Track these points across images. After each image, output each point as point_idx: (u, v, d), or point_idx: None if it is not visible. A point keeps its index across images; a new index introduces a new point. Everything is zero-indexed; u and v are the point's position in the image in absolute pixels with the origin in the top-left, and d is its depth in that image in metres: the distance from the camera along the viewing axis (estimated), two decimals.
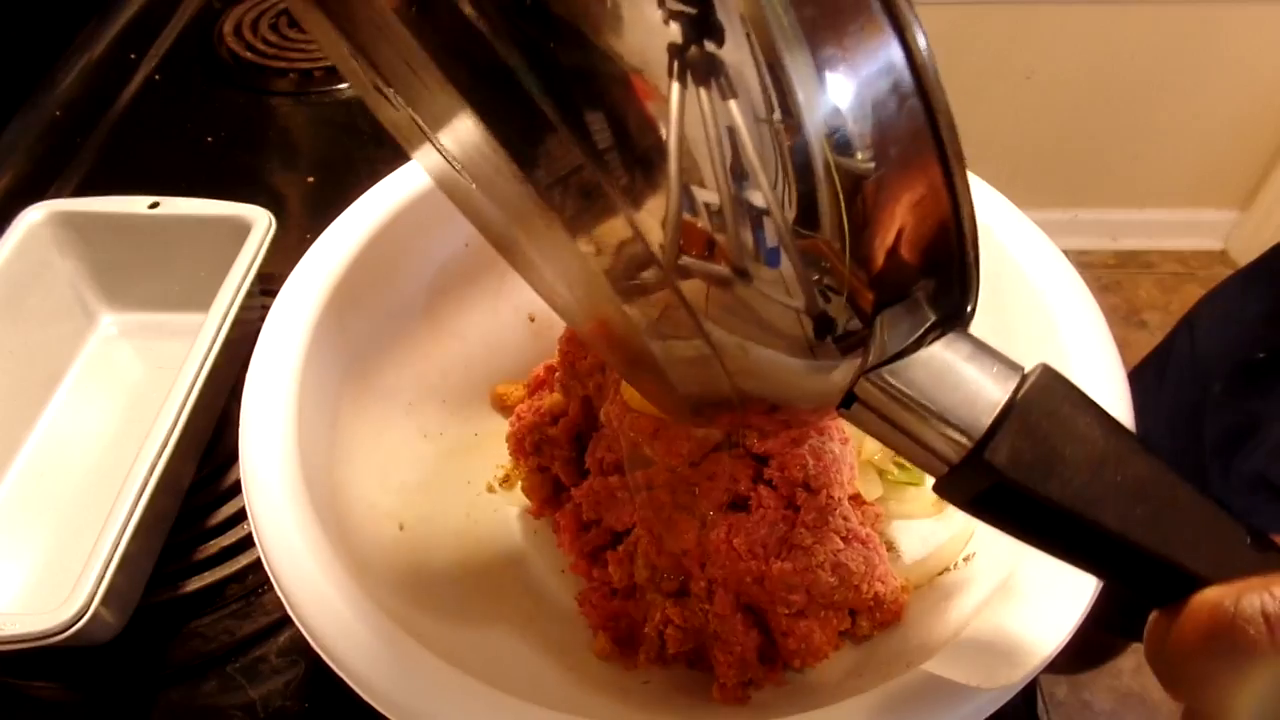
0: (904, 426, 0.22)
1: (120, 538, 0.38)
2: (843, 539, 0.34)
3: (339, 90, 0.73)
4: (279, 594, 0.31)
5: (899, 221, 0.20)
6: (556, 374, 0.44)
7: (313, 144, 0.69)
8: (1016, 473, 0.20)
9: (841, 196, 0.19)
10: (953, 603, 0.35)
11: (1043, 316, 0.37)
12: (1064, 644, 0.29)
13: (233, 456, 0.46)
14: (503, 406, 0.48)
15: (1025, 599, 0.30)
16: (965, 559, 0.37)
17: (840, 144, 0.19)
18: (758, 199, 0.19)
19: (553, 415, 0.43)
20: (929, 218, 0.20)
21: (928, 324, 0.22)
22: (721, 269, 0.20)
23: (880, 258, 0.20)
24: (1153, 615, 0.21)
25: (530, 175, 0.19)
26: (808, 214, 0.19)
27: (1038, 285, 0.38)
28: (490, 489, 0.45)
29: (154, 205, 0.50)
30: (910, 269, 0.21)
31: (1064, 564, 0.30)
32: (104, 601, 0.36)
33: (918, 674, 0.29)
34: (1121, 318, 1.60)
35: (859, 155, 0.19)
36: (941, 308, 0.22)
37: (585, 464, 0.42)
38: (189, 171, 0.66)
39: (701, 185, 0.19)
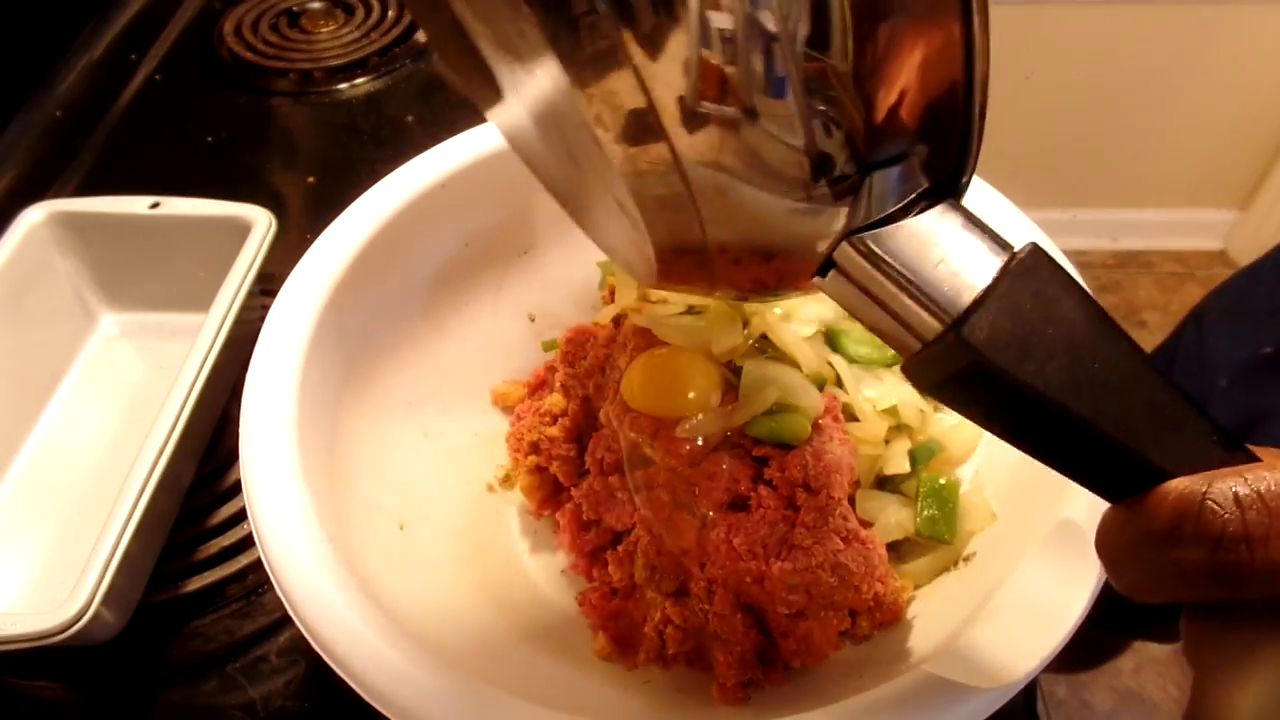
0: (881, 298, 0.21)
1: (120, 538, 0.38)
2: (843, 539, 0.34)
3: (339, 90, 0.73)
4: (279, 594, 0.31)
5: (906, 69, 0.19)
6: (556, 374, 0.44)
7: (313, 144, 0.69)
8: (994, 353, 0.19)
9: (850, 14, 0.18)
10: (953, 603, 0.35)
11: None
12: (1064, 644, 0.29)
13: (233, 456, 0.46)
14: (503, 406, 0.48)
15: (1025, 599, 0.30)
16: (965, 559, 0.37)
17: None
18: (769, 20, 0.18)
19: (553, 415, 0.43)
20: (938, 71, 0.19)
21: (918, 190, 0.21)
22: (728, 109, 0.19)
23: (882, 102, 0.19)
24: (1108, 509, 0.21)
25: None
26: (818, 31, 0.18)
27: None
28: (490, 489, 0.45)
29: (154, 205, 0.50)
30: (909, 126, 0.20)
31: (1064, 565, 0.30)
32: (104, 601, 0.36)
33: (918, 674, 0.29)
34: (1121, 318, 1.59)
35: None
36: (935, 175, 0.21)
37: (585, 464, 0.42)
38: (189, 171, 0.66)
39: (716, 7, 0.18)
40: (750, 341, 0.38)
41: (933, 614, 0.35)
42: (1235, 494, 0.18)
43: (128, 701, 0.41)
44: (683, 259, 0.24)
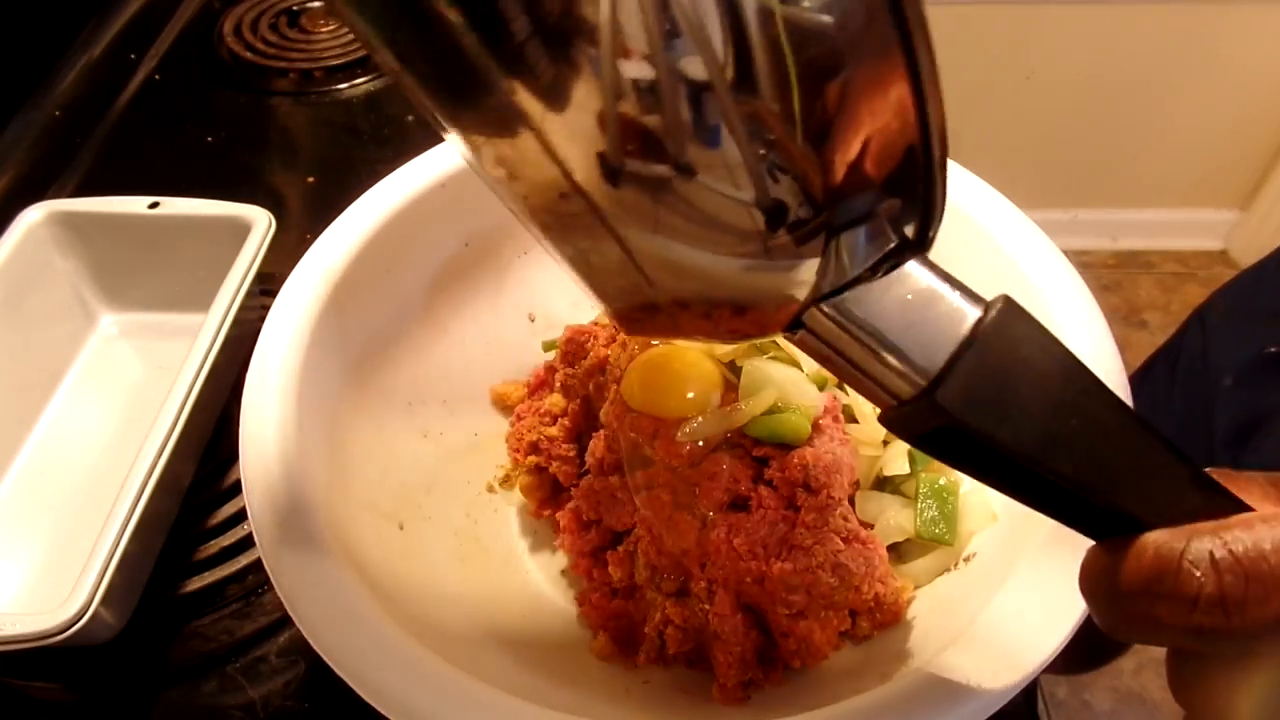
0: (853, 359, 0.21)
1: (120, 538, 0.38)
2: (843, 539, 0.34)
3: (339, 90, 0.73)
4: (279, 594, 0.31)
5: (860, 124, 0.18)
6: (556, 374, 0.44)
7: (313, 144, 0.69)
8: (969, 416, 0.19)
9: (791, 58, 0.17)
10: (953, 603, 0.35)
11: (1042, 317, 0.37)
12: (1064, 644, 0.29)
13: (233, 456, 0.46)
14: (503, 406, 0.48)
15: (1025, 599, 0.30)
16: (965, 559, 0.37)
17: None
18: (694, 67, 0.16)
19: (552, 415, 0.43)
20: (893, 125, 0.18)
21: (887, 249, 0.20)
22: (656, 166, 0.18)
23: (840, 160, 0.18)
24: (1091, 547, 0.21)
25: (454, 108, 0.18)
26: (748, 73, 0.17)
27: (1038, 285, 0.38)
28: (490, 489, 0.45)
29: (154, 205, 0.50)
30: (871, 182, 0.19)
31: (1065, 565, 0.30)
32: (104, 601, 0.36)
33: (918, 674, 0.29)
34: (1121, 318, 1.60)
35: (806, 3, 0.17)
36: (902, 231, 0.20)
37: (585, 464, 0.42)
38: (189, 171, 0.66)
39: (629, 57, 0.16)
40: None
41: (933, 614, 0.35)
42: (1212, 555, 0.18)
43: (128, 701, 0.41)
44: (646, 317, 0.23)
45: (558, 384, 0.44)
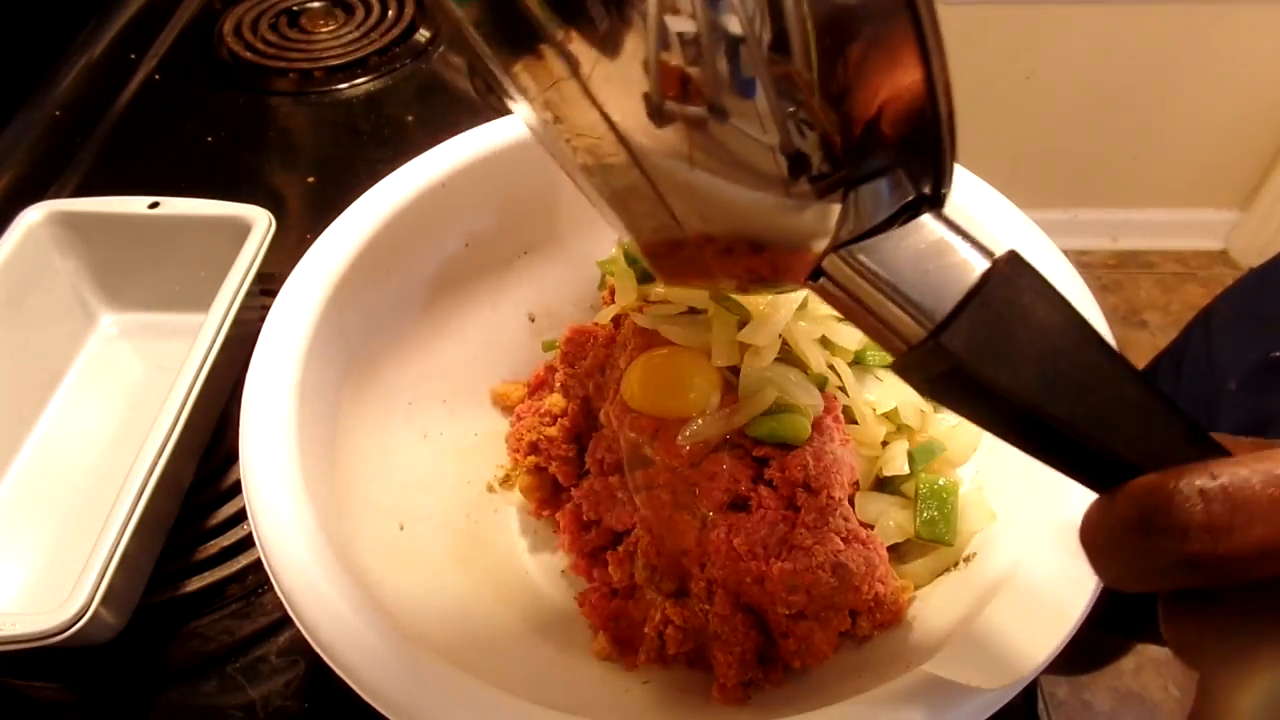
0: (868, 304, 0.22)
1: (120, 538, 0.38)
2: (843, 539, 0.34)
3: (339, 90, 0.73)
4: (279, 594, 0.31)
5: (873, 82, 0.20)
6: (556, 374, 0.44)
7: (313, 144, 0.69)
8: (971, 358, 0.20)
9: (811, 17, 0.19)
10: (953, 603, 0.35)
11: None
12: (1064, 644, 0.29)
13: (233, 456, 0.46)
14: (503, 406, 0.48)
15: (1025, 599, 0.30)
16: (965, 559, 0.37)
17: None
18: (733, 24, 0.19)
19: (552, 415, 0.43)
20: (903, 83, 0.20)
21: (904, 201, 0.22)
22: (694, 108, 0.20)
23: (857, 116, 0.20)
24: (1091, 501, 0.22)
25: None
26: (782, 35, 0.19)
27: None
28: (490, 489, 0.45)
29: (154, 205, 0.50)
30: (885, 139, 0.21)
31: (1064, 565, 0.30)
32: (104, 601, 0.36)
33: (918, 674, 0.29)
34: (1121, 318, 1.60)
35: None
36: (918, 186, 0.22)
37: (585, 464, 0.42)
38: (189, 171, 0.66)
39: (677, 12, 0.19)
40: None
41: (933, 614, 0.35)
42: (1201, 488, 0.19)
43: (128, 701, 0.41)
44: (673, 253, 0.25)
45: (558, 384, 0.44)
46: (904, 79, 0.20)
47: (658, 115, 0.21)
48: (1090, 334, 0.21)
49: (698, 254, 0.25)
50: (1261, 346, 0.61)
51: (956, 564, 0.37)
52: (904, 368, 0.22)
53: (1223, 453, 0.20)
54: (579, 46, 0.20)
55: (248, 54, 0.75)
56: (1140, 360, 0.76)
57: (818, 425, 0.37)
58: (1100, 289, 1.65)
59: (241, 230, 0.49)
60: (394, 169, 0.43)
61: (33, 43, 0.73)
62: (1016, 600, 0.30)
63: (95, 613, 0.36)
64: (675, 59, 0.19)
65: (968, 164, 0.42)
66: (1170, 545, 0.19)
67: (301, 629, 0.30)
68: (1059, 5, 1.38)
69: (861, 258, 0.22)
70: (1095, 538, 0.21)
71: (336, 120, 0.71)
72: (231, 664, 0.41)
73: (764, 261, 0.25)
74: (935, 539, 0.37)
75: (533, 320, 0.49)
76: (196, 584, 0.43)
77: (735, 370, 0.38)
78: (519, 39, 0.21)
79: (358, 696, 0.28)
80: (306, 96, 0.72)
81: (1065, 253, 0.39)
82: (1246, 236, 1.66)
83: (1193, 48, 1.42)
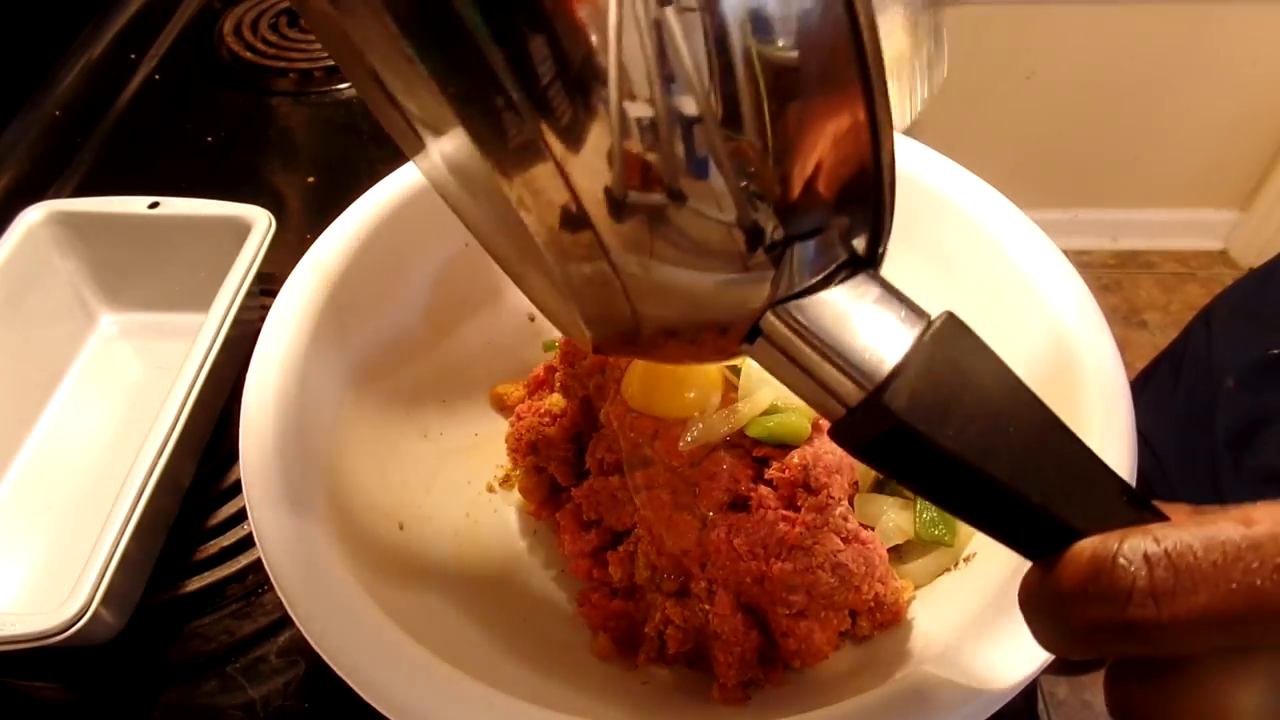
0: (806, 365, 0.22)
1: (120, 538, 0.38)
2: (843, 539, 0.34)
3: (339, 90, 0.73)
4: (279, 594, 0.31)
5: (817, 142, 0.20)
6: (556, 374, 0.44)
7: (313, 144, 0.69)
8: (914, 419, 0.20)
9: (764, 89, 0.19)
10: (953, 603, 0.35)
11: (1042, 317, 0.37)
12: None
13: (233, 456, 0.46)
14: (503, 406, 0.48)
15: None
16: (965, 559, 0.37)
17: (759, 26, 0.18)
18: (688, 105, 0.19)
19: (552, 415, 0.43)
20: (846, 146, 0.20)
21: (838, 262, 0.22)
22: (655, 195, 0.20)
23: (796, 177, 0.20)
24: (1029, 568, 0.21)
25: (475, 125, 0.19)
26: (732, 111, 0.19)
27: (1038, 285, 0.38)
28: (490, 489, 0.45)
29: (154, 205, 0.50)
30: (824, 199, 0.21)
31: None
32: (104, 601, 0.36)
33: (918, 674, 0.29)
34: (1121, 318, 1.60)
35: (780, 42, 0.18)
36: (852, 247, 0.22)
37: (585, 464, 0.42)
38: (189, 171, 0.66)
39: (634, 98, 0.18)
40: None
41: (933, 614, 0.35)
42: (1145, 552, 0.18)
43: (128, 701, 0.41)
44: (615, 332, 0.25)
45: (557, 384, 0.44)
46: (847, 140, 0.20)
47: (618, 209, 0.20)
48: (1030, 396, 0.21)
49: (639, 334, 0.24)
50: (1260, 345, 0.61)
51: (956, 564, 0.37)
52: (844, 430, 0.22)
53: (1161, 518, 0.20)
54: (550, 137, 0.19)
55: (248, 54, 0.75)
56: (1140, 360, 0.76)
57: (817, 425, 0.37)
58: (1100, 289, 1.65)
59: (241, 230, 0.49)
60: (394, 169, 0.43)
61: (33, 43, 0.73)
62: (1016, 600, 0.30)
63: (95, 613, 0.36)
64: (635, 146, 0.19)
65: (968, 164, 0.42)
66: (1113, 610, 0.18)
67: (301, 629, 0.30)
68: (1059, 5, 1.38)
69: (798, 316, 0.22)
70: (1036, 604, 0.21)
71: (336, 120, 0.71)
72: (231, 664, 0.41)
73: (701, 343, 0.25)
74: (935, 540, 0.37)
75: (533, 320, 0.49)
76: (196, 584, 0.43)
77: (736, 371, 0.38)
78: (496, 128, 0.20)
79: (358, 696, 0.28)
80: (306, 96, 0.72)
81: (1065, 253, 0.39)
82: (1246, 236, 1.66)
83: (1193, 48, 1.42)
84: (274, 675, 0.41)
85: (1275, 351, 0.59)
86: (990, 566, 0.35)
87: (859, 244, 0.22)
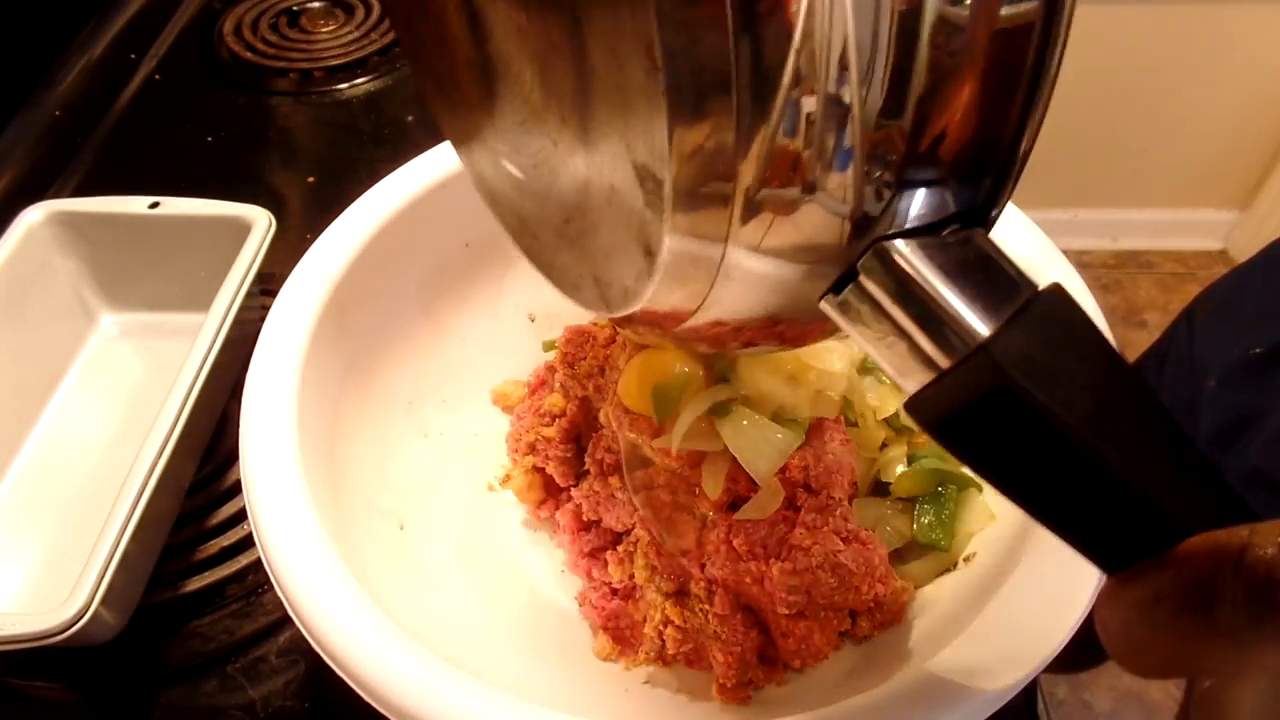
0: (898, 317, 0.20)
1: (120, 538, 0.38)
2: (843, 540, 0.34)
3: (339, 90, 0.73)
4: (279, 594, 0.31)
5: (962, 115, 0.18)
6: (556, 374, 0.44)
7: (313, 144, 0.69)
8: (1026, 378, 0.18)
9: (926, 76, 0.18)
10: (953, 603, 0.35)
11: None
12: (1064, 644, 0.29)
13: (233, 456, 0.46)
14: (503, 406, 0.48)
15: (1025, 599, 0.30)
16: (966, 559, 0.37)
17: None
18: (849, 95, 0.17)
19: (552, 416, 0.43)
20: (993, 115, 0.19)
21: (947, 214, 0.20)
22: (790, 191, 0.18)
23: (928, 137, 0.19)
24: (1108, 581, 0.19)
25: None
26: (896, 98, 0.18)
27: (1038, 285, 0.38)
28: (490, 489, 0.45)
29: (154, 205, 0.50)
30: (949, 160, 0.19)
31: (1065, 565, 0.30)
32: (104, 601, 0.36)
33: (918, 674, 0.29)
34: (1121, 318, 1.60)
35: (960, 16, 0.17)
36: (966, 203, 0.20)
37: (585, 465, 0.42)
38: (189, 171, 0.66)
39: (811, 92, 0.17)
40: None
41: (933, 614, 0.35)
42: None
43: (128, 701, 0.41)
44: (664, 318, 0.23)
45: (557, 384, 0.44)
46: (996, 111, 0.19)
47: (751, 207, 0.19)
48: (1140, 379, 0.19)
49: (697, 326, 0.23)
50: (1240, 343, 0.60)
51: (956, 564, 0.37)
52: (931, 394, 0.19)
53: (1254, 515, 0.18)
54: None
55: (248, 54, 0.75)
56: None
57: (818, 426, 0.36)
58: (1100, 289, 1.65)
59: (241, 230, 0.49)
60: (394, 169, 0.43)
61: (33, 43, 0.73)
62: (1016, 600, 0.30)
63: (95, 613, 0.36)
64: (793, 142, 0.18)
65: None
66: (1243, 605, 0.16)
67: (301, 629, 0.30)
68: None
69: (899, 258, 0.19)
70: (1126, 616, 0.18)
71: (336, 120, 0.71)
72: (231, 664, 0.41)
73: (773, 333, 0.23)
74: (932, 544, 0.37)
75: (533, 320, 0.49)
76: (196, 584, 0.43)
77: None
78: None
79: (358, 696, 0.28)
80: (306, 96, 0.72)
81: (1065, 253, 0.39)
82: (1246, 236, 1.66)
83: (1193, 48, 1.42)
84: (274, 675, 0.41)
85: (1256, 350, 0.59)
86: (990, 566, 0.35)
87: (973, 201, 0.20)
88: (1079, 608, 0.29)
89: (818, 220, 0.19)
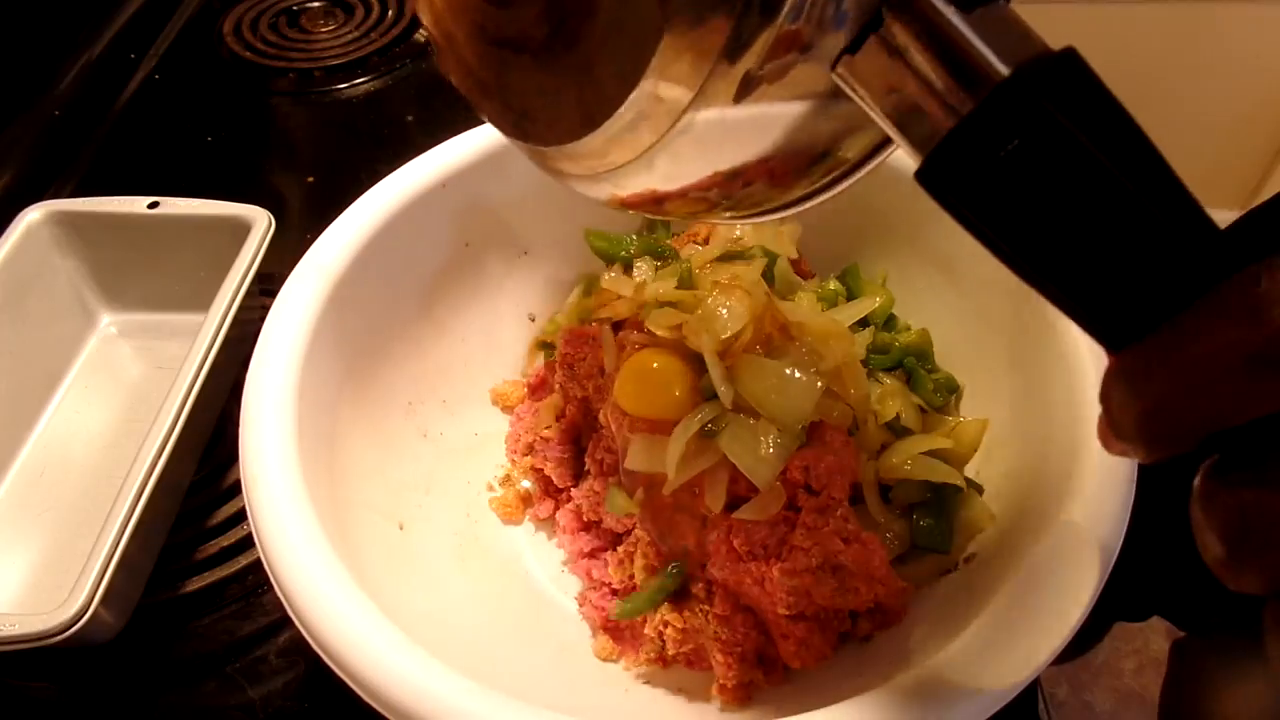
0: (922, 63, 0.19)
1: (120, 538, 0.38)
2: (843, 540, 0.34)
3: (339, 90, 0.73)
4: (279, 594, 0.31)
5: None
6: (556, 375, 0.44)
7: (313, 144, 0.69)
8: (1060, 103, 0.18)
9: None
10: (953, 603, 0.35)
11: (1042, 317, 0.37)
12: (1064, 644, 0.28)
13: (233, 456, 0.46)
14: (503, 406, 0.48)
15: (1025, 600, 0.30)
16: (965, 560, 0.37)
17: None
18: None
19: (551, 416, 0.43)
20: None
21: None
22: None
23: None
24: (1123, 356, 0.18)
25: None
26: None
27: None
28: (490, 489, 0.45)
29: (154, 205, 0.50)
30: None
31: (1065, 565, 0.30)
32: (104, 601, 0.36)
33: (918, 675, 0.29)
34: None
35: None
36: None
37: (584, 465, 0.42)
38: (189, 171, 0.66)
39: None
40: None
41: (933, 615, 0.35)
42: None
43: (128, 702, 0.41)
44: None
45: (556, 385, 0.44)
46: None
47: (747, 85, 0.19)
48: (1149, 140, 0.19)
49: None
50: None
51: (956, 565, 0.37)
52: (953, 144, 0.19)
53: None
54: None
55: (248, 54, 0.75)
56: None
57: (817, 427, 0.36)
58: None
59: (241, 230, 0.49)
60: (394, 169, 0.43)
61: (33, 43, 0.73)
62: (1016, 600, 0.30)
63: (95, 613, 0.36)
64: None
65: None
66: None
67: (301, 629, 0.30)
68: (1059, 5, 1.38)
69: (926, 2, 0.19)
70: (1152, 365, 0.17)
71: (336, 120, 0.71)
72: (231, 664, 0.41)
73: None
74: (932, 547, 0.37)
75: (533, 320, 0.49)
76: (196, 584, 0.43)
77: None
78: None
79: (358, 696, 0.28)
80: (306, 96, 0.72)
81: None
82: None
83: (1193, 48, 1.42)
84: (274, 675, 0.41)
85: None
86: (990, 566, 0.35)
87: None
88: (1079, 608, 0.29)
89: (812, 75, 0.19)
